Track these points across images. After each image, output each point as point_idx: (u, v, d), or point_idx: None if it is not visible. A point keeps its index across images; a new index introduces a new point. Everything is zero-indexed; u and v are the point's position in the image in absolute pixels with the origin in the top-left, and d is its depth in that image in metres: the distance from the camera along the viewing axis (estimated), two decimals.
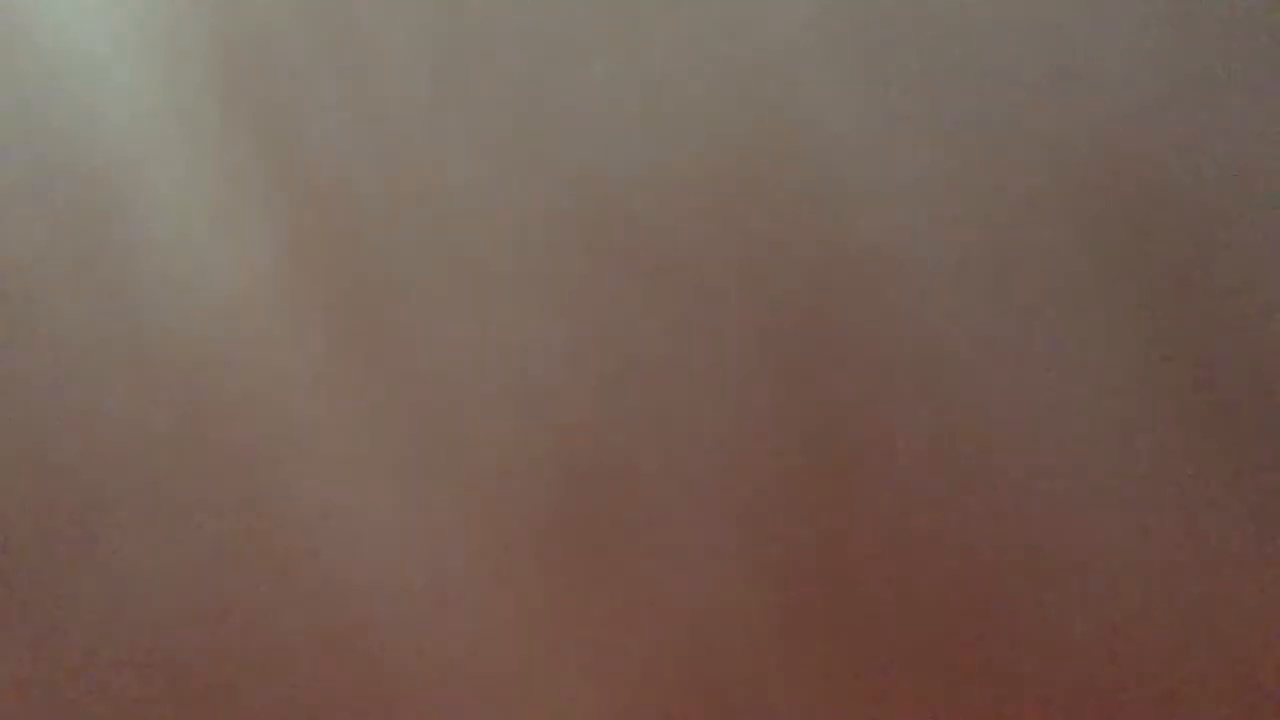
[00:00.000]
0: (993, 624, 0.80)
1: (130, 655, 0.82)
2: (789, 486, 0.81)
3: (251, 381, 0.82)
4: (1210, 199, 0.78)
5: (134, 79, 0.83)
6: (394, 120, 0.83)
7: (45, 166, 0.82)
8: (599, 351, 0.82)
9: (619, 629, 0.82)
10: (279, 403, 0.82)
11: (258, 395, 0.82)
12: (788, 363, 0.81)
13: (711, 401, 0.82)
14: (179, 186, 0.83)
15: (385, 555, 0.82)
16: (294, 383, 0.82)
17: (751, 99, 0.80)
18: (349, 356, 0.82)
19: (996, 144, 0.79)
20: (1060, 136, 0.80)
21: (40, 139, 0.83)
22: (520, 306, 0.83)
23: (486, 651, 0.82)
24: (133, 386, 0.83)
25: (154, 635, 0.82)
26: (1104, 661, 0.79)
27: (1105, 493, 0.79)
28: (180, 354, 0.83)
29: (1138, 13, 0.78)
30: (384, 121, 0.83)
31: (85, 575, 0.82)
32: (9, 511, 0.82)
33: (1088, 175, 0.79)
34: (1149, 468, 0.79)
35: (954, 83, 0.80)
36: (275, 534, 0.82)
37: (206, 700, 0.82)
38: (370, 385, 0.83)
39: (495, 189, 0.83)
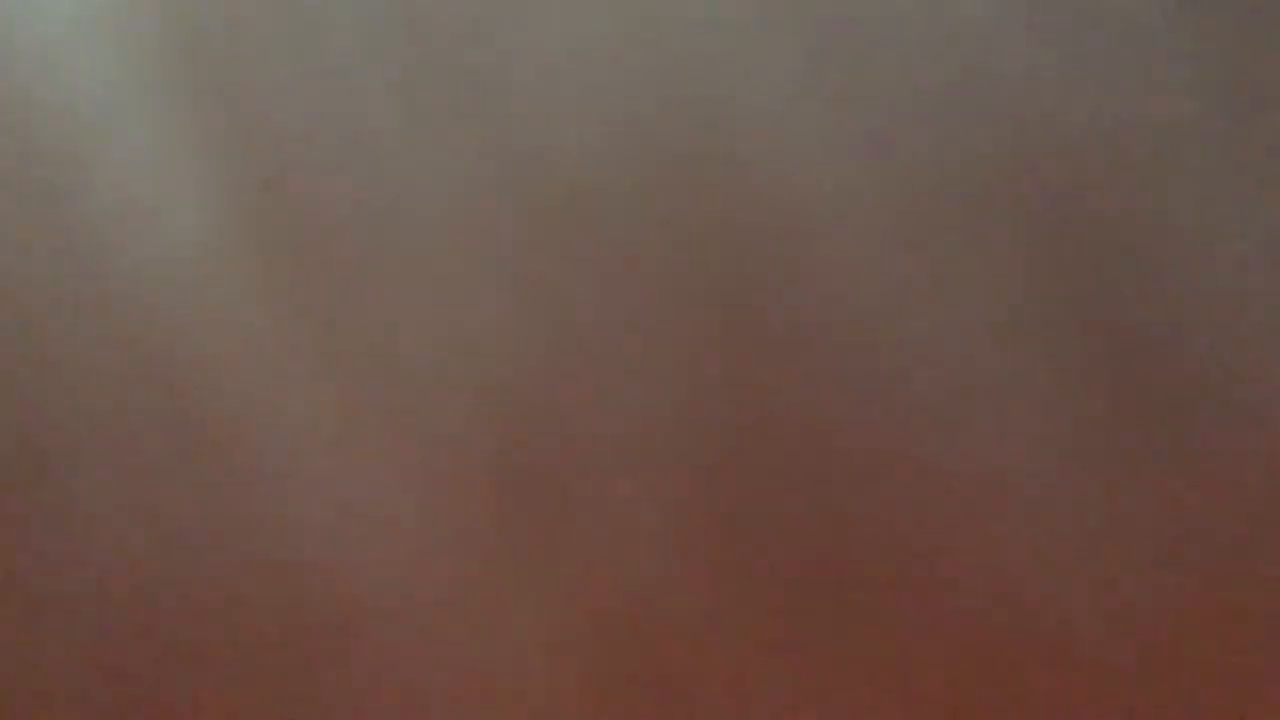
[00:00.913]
0: (918, 590, 0.83)
1: (100, 611, 0.85)
2: (726, 462, 0.84)
3: (212, 345, 0.85)
4: (1147, 221, 0.81)
5: (91, 60, 0.86)
6: (353, 108, 0.86)
7: (7, 145, 0.85)
8: (547, 333, 0.85)
9: (566, 595, 0.85)
10: (240, 368, 0.85)
11: (219, 359, 0.85)
12: (728, 342, 0.84)
13: (655, 380, 0.84)
14: (139, 160, 0.86)
15: (339, 519, 0.85)
16: (253, 350, 0.85)
17: (695, 89, 0.83)
18: (307, 329, 0.85)
19: (939, 143, 0.82)
20: (1000, 145, 0.82)
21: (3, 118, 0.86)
22: (472, 288, 0.85)
23: (437, 612, 0.85)
24: (99, 347, 0.86)
25: (126, 587, 0.85)
26: (1008, 635, 0.82)
27: (1031, 477, 0.82)
28: (144, 322, 0.86)
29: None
30: (343, 109, 0.86)
31: (59, 531, 0.85)
32: None
33: (1025, 179, 0.81)
34: (1075, 458, 0.82)
35: (897, 80, 0.82)
36: (238, 493, 0.85)
37: (175, 656, 0.85)
38: (328, 360, 0.86)
39: (448, 172, 0.86)
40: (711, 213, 0.83)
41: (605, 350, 0.84)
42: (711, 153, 0.83)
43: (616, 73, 0.83)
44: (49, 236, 0.86)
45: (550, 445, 0.84)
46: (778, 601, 0.84)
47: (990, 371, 0.83)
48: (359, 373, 0.85)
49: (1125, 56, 0.79)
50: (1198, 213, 0.79)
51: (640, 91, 0.83)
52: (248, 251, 0.86)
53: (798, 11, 0.82)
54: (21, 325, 0.84)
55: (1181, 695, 0.81)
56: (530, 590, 0.85)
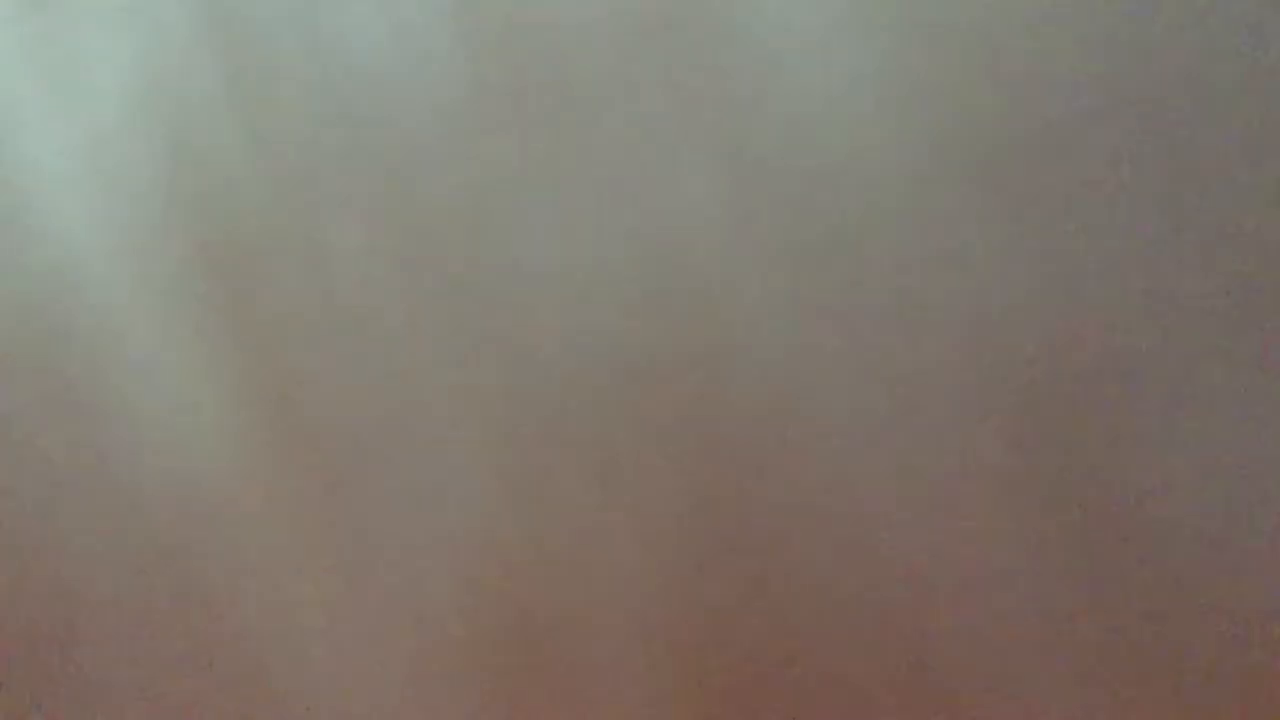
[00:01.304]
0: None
1: None
2: (705, 645, 0.85)
3: (221, 546, 0.88)
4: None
5: (109, 271, 0.89)
6: (348, 303, 0.88)
7: (30, 352, 0.87)
8: (531, 520, 0.87)
9: None
10: (246, 564, 0.87)
11: (228, 557, 0.87)
12: (706, 529, 0.85)
13: (634, 566, 0.86)
14: (155, 367, 0.88)
15: (338, 705, 0.87)
16: (259, 547, 0.87)
17: (666, 273, 0.85)
18: (307, 526, 0.88)
19: (921, 339, 0.83)
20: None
21: (36, 317, 0.88)
22: (460, 466, 0.88)
23: None
24: (104, 514, 0.88)
25: None
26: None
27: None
28: (160, 522, 0.88)
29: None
30: (341, 310, 0.88)
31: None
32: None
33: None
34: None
35: (883, 284, 0.84)
36: (243, 677, 0.87)
37: None
38: (326, 557, 0.88)
39: (441, 364, 0.88)
40: (694, 403, 0.85)
41: (585, 538, 0.87)
42: (695, 344, 0.84)
43: (606, 263, 0.86)
44: (69, 440, 0.88)
45: (533, 629, 0.88)
46: None
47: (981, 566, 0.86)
48: (354, 566, 0.87)
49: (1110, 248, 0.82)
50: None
51: (628, 282, 0.87)
52: (255, 450, 0.89)
53: (780, 204, 0.85)
54: (46, 524, 0.87)
55: None
56: None
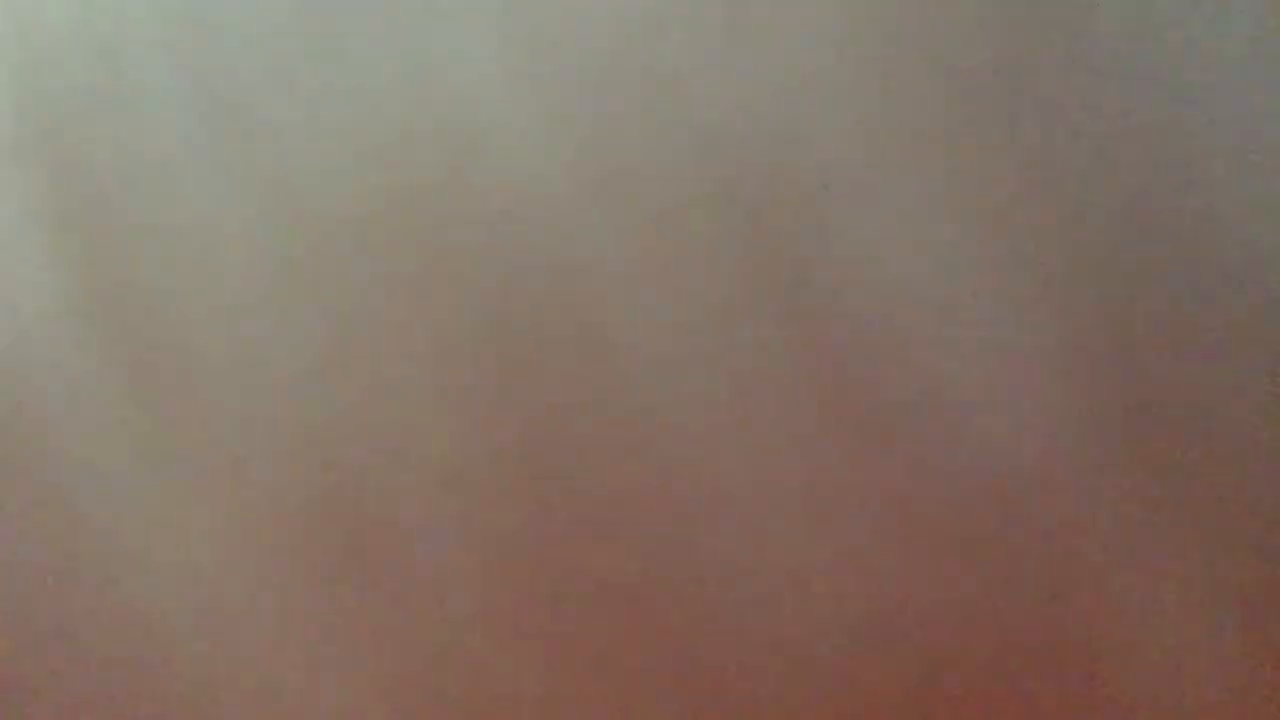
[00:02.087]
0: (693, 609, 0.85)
1: None
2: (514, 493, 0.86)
3: (49, 392, 0.88)
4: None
5: None
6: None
7: None
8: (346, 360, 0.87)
9: (375, 641, 0.87)
10: (77, 437, 0.88)
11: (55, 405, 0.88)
12: (503, 374, 0.86)
13: (443, 416, 0.87)
14: None
15: (161, 573, 0.87)
16: (93, 422, 0.88)
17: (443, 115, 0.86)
18: (140, 398, 0.88)
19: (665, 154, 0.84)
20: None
21: None
22: (282, 345, 0.88)
23: (258, 657, 0.87)
24: None
25: None
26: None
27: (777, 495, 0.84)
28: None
29: None
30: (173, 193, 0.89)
31: None
32: None
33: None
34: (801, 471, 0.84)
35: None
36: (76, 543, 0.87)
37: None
38: (155, 424, 0.89)
39: (237, 221, 0.89)
40: (480, 250, 0.86)
41: (398, 392, 0.87)
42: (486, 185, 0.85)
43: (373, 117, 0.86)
44: None
45: (362, 503, 0.87)
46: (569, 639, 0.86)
47: (745, 400, 0.85)
48: (189, 452, 0.88)
49: None
50: None
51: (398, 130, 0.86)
52: (91, 325, 0.89)
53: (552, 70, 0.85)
54: None
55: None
56: (343, 634, 0.87)
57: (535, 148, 0.85)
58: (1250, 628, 0.82)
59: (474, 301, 0.86)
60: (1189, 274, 0.81)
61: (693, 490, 0.84)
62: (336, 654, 0.86)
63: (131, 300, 0.88)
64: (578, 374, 0.84)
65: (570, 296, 0.84)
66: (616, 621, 0.85)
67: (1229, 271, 0.81)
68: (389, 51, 0.85)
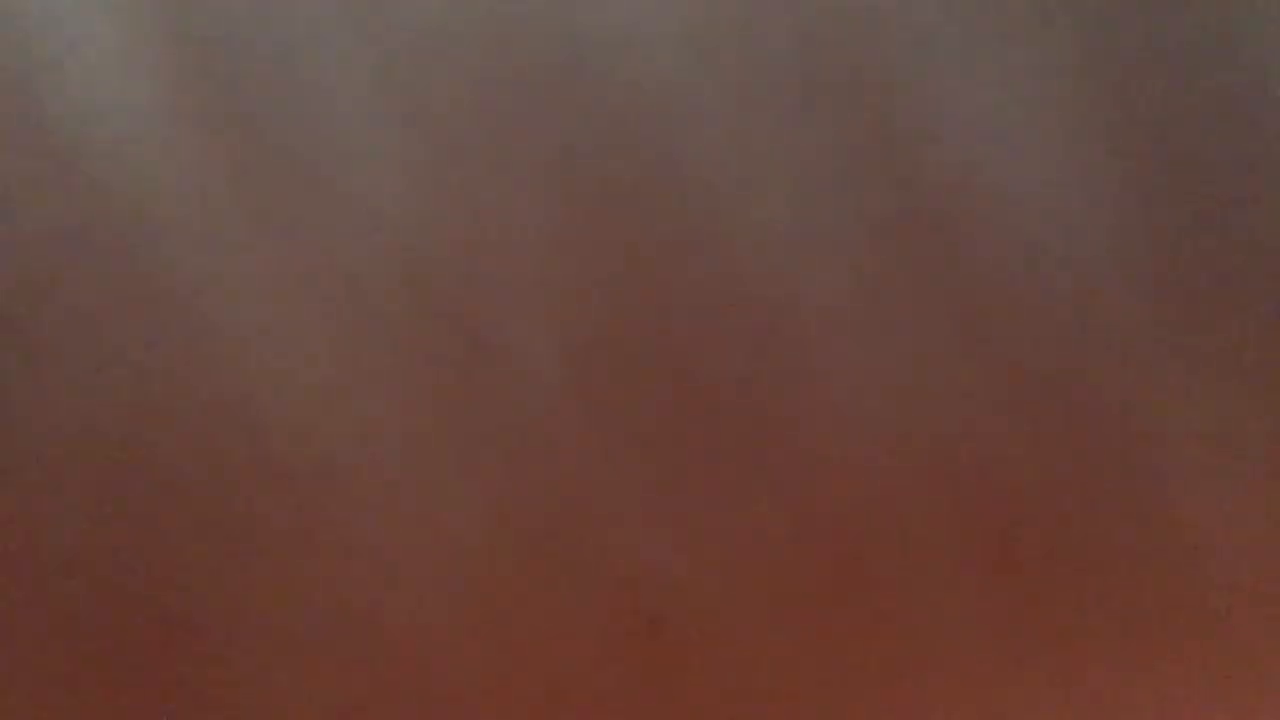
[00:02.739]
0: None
1: (62, 456, 0.91)
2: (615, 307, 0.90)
3: (165, 215, 0.92)
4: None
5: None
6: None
7: None
8: (452, 205, 0.91)
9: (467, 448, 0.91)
10: (189, 234, 0.92)
11: (172, 226, 0.92)
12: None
13: (525, 233, 0.91)
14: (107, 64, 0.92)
15: (259, 330, 0.91)
16: (202, 218, 0.92)
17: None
18: (250, 202, 0.92)
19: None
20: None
21: None
22: (382, 162, 0.92)
23: (364, 439, 0.91)
24: (62, 217, 0.92)
25: (86, 433, 0.91)
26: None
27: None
28: (105, 195, 0.92)
29: None
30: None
31: (27, 386, 0.91)
32: None
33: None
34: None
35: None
36: (195, 350, 0.91)
37: (137, 503, 0.91)
38: (265, 227, 0.93)
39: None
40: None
41: (503, 215, 0.91)
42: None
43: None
44: (19, 127, 0.92)
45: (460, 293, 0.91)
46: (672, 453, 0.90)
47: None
48: (293, 240, 0.92)
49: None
50: None
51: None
52: (199, 133, 0.93)
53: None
54: None
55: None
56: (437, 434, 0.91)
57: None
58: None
59: (570, 130, 0.89)
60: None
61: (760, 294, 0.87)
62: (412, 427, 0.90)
63: (245, 109, 0.91)
64: (663, 200, 0.87)
65: (646, 129, 0.87)
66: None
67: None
68: None
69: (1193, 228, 0.85)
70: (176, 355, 0.90)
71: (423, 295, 0.90)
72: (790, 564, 0.89)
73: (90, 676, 0.91)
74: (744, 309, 0.88)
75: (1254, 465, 0.86)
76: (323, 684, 0.92)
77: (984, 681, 0.88)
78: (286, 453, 0.90)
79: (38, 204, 0.90)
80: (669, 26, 0.88)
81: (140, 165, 0.92)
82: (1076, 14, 0.85)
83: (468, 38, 0.90)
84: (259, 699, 0.91)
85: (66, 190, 0.90)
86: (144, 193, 0.92)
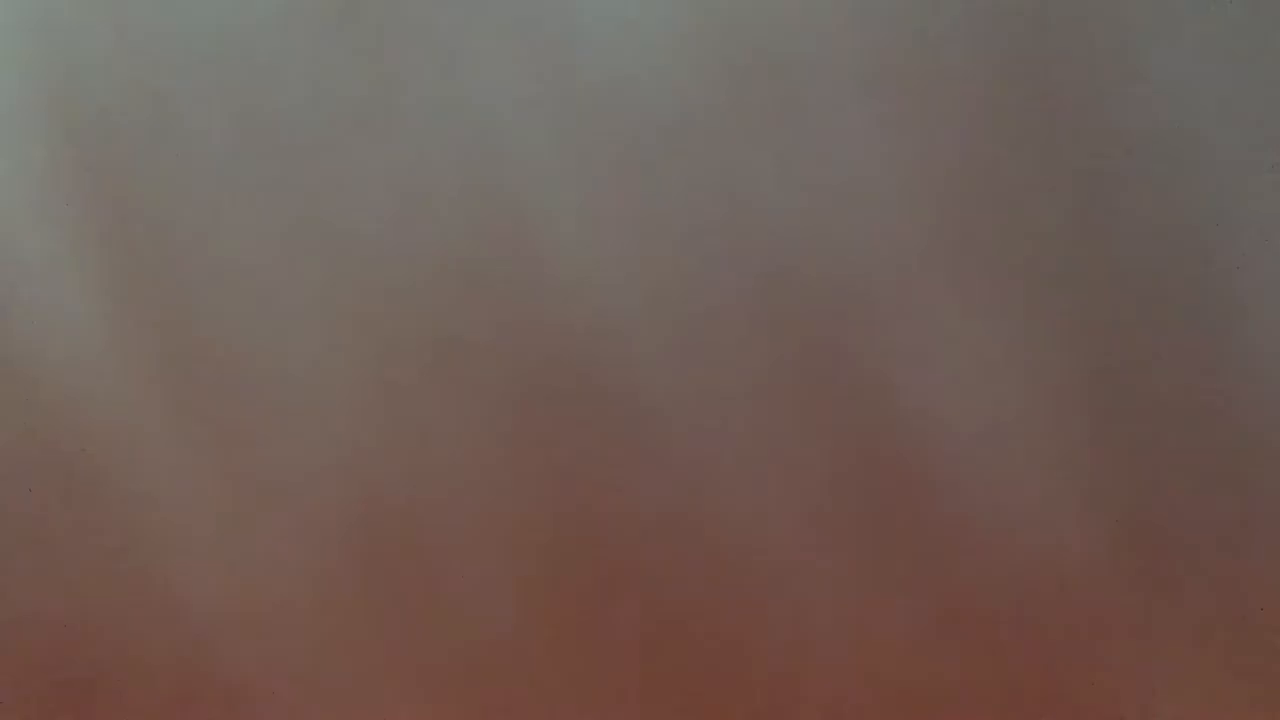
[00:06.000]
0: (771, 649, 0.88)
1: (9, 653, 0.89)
2: (542, 517, 0.88)
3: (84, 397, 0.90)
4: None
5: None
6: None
7: None
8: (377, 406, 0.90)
9: (417, 637, 0.89)
10: (131, 443, 0.90)
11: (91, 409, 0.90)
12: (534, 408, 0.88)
13: (479, 456, 0.89)
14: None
15: (216, 574, 0.90)
16: (142, 428, 0.90)
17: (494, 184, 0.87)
18: (192, 414, 0.90)
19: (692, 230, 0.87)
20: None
21: None
22: (335, 399, 0.91)
23: (307, 656, 0.90)
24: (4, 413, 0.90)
25: (31, 635, 0.90)
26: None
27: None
28: (44, 397, 0.91)
29: None
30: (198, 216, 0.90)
31: None
32: None
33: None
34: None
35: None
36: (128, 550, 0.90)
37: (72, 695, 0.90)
38: (213, 448, 0.91)
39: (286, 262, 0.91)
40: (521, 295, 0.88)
41: (441, 438, 0.90)
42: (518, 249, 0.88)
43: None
44: None
45: (398, 517, 0.90)
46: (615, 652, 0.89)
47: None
48: (239, 456, 0.90)
49: None
50: None
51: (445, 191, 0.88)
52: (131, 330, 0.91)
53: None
54: None
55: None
56: (386, 631, 0.90)
57: (579, 228, 0.86)
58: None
59: (509, 364, 0.88)
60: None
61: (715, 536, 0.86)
62: (371, 647, 0.89)
63: (175, 319, 0.90)
64: (614, 433, 0.86)
65: (604, 362, 0.86)
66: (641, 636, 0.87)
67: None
68: (441, 110, 0.87)
69: (1178, 508, 0.84)
70: (116, 565, 0.89)
71: (374, 517, 0.88)
72: None
73: None
74: (706, 531, 0.87)
75: None
76: None
77: None
78: (230, 673, 0.89)
79: None
80: (626, 250, 0.87)
81: (81, 376, 0.90)
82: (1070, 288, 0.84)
83: (425, 281, 0.89)
84: None
85: (6, 404, 0.89)
86: (82, 403, 0.90)
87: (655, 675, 0.87)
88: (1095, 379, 0.84)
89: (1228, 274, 0.83)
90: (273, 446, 0.88)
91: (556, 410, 0.87)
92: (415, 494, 0.88)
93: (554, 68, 0.86)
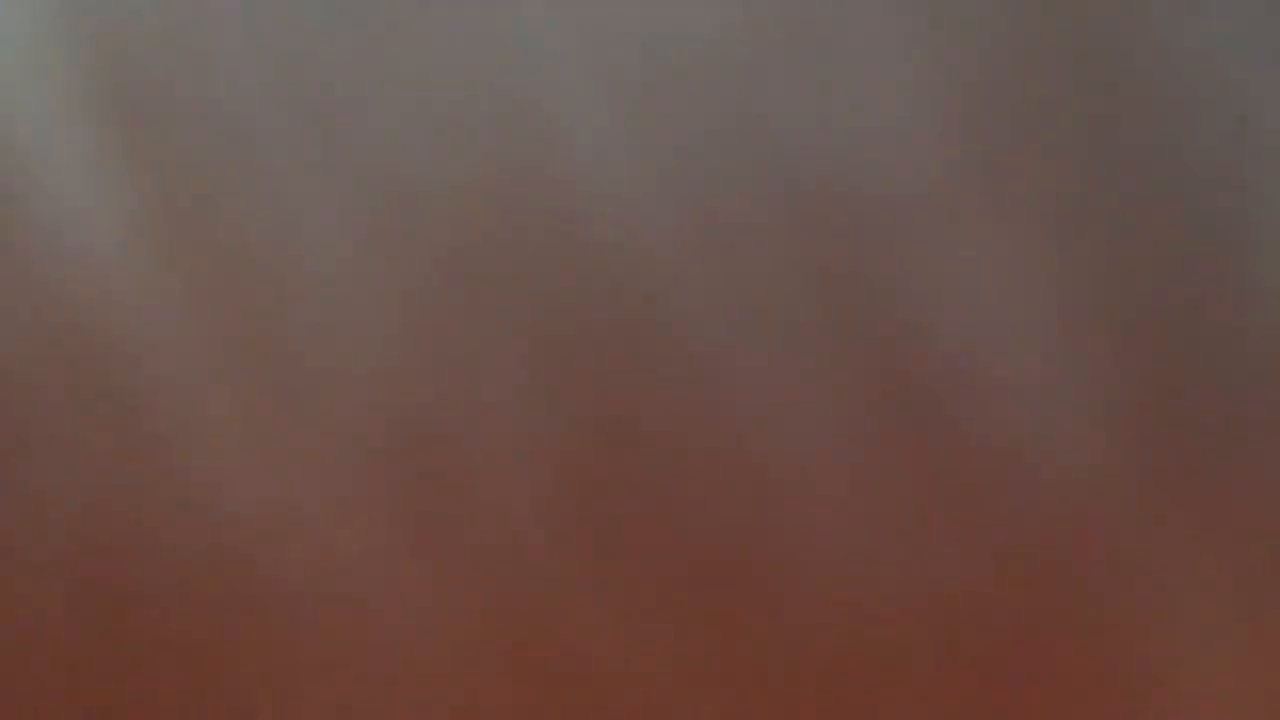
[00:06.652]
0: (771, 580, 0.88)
1: (34, 566, 0.90)
2: (571, 454, 0.89)
3: (134, 335, 0.90)
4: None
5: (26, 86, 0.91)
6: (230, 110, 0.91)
7: None
8: (422, 343, 0.90)
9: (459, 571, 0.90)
10: (159, 358, 0.91)
11: (141, 347, 0.90)
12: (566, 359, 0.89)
13: (521, 383, 0.90)
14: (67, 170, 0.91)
15: (246, 488, 0.91)
16: (173, 342, 0.90)
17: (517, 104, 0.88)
18: (220, 335, 0.91)
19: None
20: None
21: None
22: (355, 304, 0.91)
23: (335, 567, 0.91)
24: (31, 337, 0.91)
25: (57, 549, 0.91)
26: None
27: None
28: (76, 314, 0.91)
29: None
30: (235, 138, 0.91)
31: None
32: None
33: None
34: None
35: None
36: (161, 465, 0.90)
37: (100, 612, 0.90)
38: (235, 364, 0.92)
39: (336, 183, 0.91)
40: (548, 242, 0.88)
41: (474, 357, 0.90)
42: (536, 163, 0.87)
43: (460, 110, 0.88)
44: None
45: (426, 445, 0.90)
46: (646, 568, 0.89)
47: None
48: (270, 372, 0.91)
49: None
50: None
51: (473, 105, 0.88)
52: (164, 257, 0.91)
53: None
54: None
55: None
56: (425, 568, 0.90)
57: (607, 143, 0.87)
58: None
59: (548, 293, 0.89)
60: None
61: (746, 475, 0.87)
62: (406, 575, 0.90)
63: (222, 261, 0.91)
64: (639, 346, 0.87)
65: (629, 276, 0.87)
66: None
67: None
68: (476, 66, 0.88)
69: (1191, 420, 0.84)
70: (148, 473, 0.89)
71: (400, 438, 0.89)
72: (774, 691, 0.89)
73: None
74: (730, 457, 0.88)
75: (1248, 657, 0.86)
76: None
77: None
78: (259, 578, 0.89)
79: (6, 319, 0.89)
80: (663, 187, 0.87)
81: (113, 288, 0.91)
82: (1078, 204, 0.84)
83: (449, 197, 0.89)
84: None
85: (37, 309, 0.89)
86: (117, 318, 0.91)
87: (674, 577, 0.88)
88: (1114, 292, 0.85)
89: (1252, 193, 0.84)
90: (302, 359, 0.89)
91: (582, 322, 0.87)
92: (442, 403, 0.89)
93: None
